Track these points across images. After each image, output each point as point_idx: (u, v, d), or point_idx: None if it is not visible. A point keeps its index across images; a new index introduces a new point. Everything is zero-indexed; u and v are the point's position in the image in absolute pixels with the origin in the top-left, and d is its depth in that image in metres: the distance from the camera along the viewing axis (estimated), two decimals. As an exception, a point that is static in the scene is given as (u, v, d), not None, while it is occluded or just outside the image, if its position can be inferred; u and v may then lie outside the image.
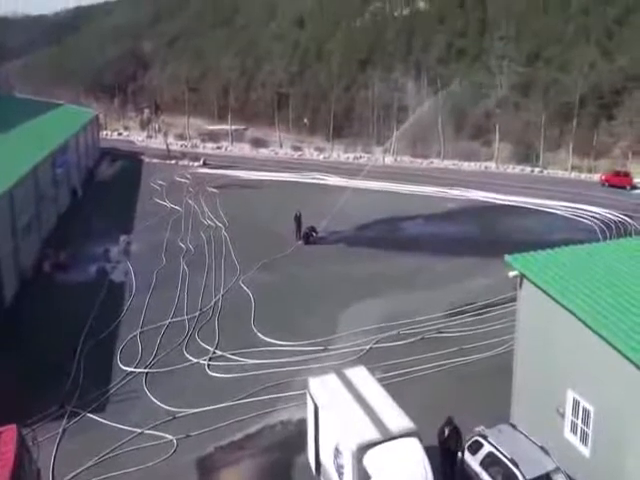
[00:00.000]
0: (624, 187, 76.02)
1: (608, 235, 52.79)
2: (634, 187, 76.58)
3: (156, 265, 44.70)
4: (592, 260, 23.26)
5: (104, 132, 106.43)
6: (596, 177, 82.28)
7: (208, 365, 31.03)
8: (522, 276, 23.25)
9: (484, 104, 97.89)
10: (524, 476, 19.46)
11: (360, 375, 22.62)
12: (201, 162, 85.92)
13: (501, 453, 20.49)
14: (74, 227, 54.22)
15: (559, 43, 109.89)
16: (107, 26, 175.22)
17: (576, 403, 20.73)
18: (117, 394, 28.56)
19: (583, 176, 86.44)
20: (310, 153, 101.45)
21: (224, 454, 24.31)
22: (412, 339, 33.66)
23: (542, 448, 20.66)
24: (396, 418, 19.95)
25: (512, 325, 26.38)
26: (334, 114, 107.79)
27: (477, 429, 22.22)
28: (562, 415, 21.32)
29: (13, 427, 18.66)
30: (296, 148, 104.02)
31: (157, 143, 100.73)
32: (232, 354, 31.89)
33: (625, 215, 59.85)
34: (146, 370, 30.46)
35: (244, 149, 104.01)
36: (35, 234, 47.92)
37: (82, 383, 29.08)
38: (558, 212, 62.09)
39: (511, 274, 23.69)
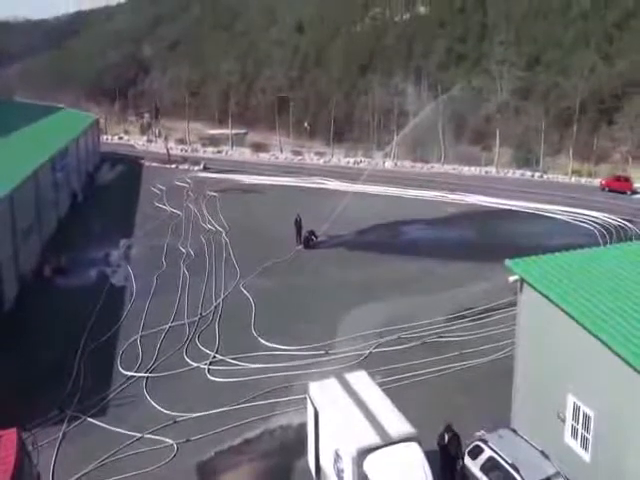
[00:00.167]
0: (624, 192, 76.05)
1: (608, 240, 52.80)
2: (634, 192, 76.59)
3: (156, 269, 44.70)
4: (592, 265, 23.25)
5: (104, 136, 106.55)
6: (596, 182, 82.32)
7: (208, 369, 31.00)
8: (522, 280, 23.24)
9: (484, 109, 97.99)
10: (524, 481, 19.46)
11: (360, 379, 22.59)
12: (201, 166, 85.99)
13: (502, 458, 20.45)
14: (74, 231, 54.20)
15: (559, 48, 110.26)
16: (107, 31, 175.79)
17: (576, 408, 20.71)
18: (117, 398, 28.52)
19: (583, 181, 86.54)
20: (310, 157, 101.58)
21: (224, 459, 24.25)
22: (412, 344, 33.64)
23: (542, 453, 20.64)
24: (396, 423, 19.92)
25: (512, 330, 26.37)
26: (334, 119, 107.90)
27: (478, 434, 22.18)
28: (563, 420, 21.30)
29: (13, 431, 18.64)
30: (296, 152, 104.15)
31: (157, 147, 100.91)
32: (232, 358, 31.87)
33: (625, 220, 59.89)
34: (146, 374, 30.43)
35: (244, 153, 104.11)
36: (35, 238, 47.91)
37: (82, 387, 29.05)
38: (558, 217, 62.10)
39: (511, 279, 23.68)
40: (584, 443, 20.51)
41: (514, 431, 22.19)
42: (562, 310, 20.84)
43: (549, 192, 73.46)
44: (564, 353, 21.41)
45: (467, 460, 21.75)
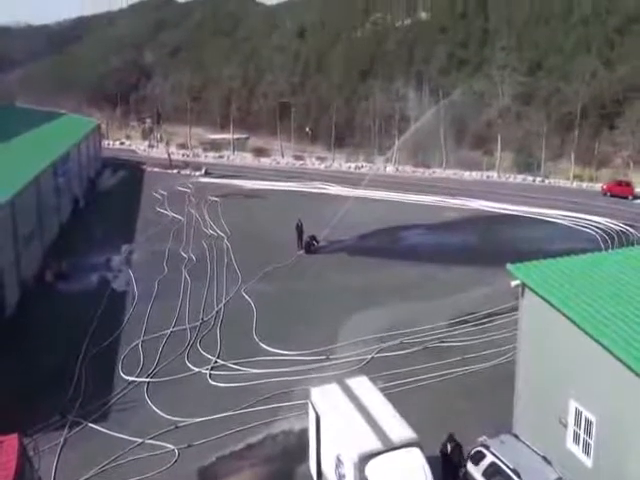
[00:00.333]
0: (626, 197, 76.02)
1: (610, 245, 52.76)
2: (636, 197, 76.54)
3: (158, 274, 44.69)
4: (594, 270, 23.23)
5: (106, 141, 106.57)
6: (598, 186, 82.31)
7: (210, 374, 30.98)
8: (524, 285, 23.23)
9: (486, 114, 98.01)
10: (526, 486, 19.42)
11: (362, 385, 22.59)
12: (203, 171, 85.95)
13: (503, 463, 20.40)
14: (76, 236, 54.19)
15: (560, 53, 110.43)
16: (109, 36, 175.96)
17: (578, 413, 20.68)
18: (119, 403, 28.51)
19: (585, 185, 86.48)
20: (311, 162, 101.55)
21: (226, 464, 24.23)
22: (414, 348, 33.62)
23: (544, 458, 20.61)
24: (398, 428, 19.91)
25: (514, 334, 26.34)
26: (335, 124, 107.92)
27: (479, 439, 22.15)
28: (564, 425, 21.26)
29: (15, 437, 18.62)
30: (298, 157, 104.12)
31: (159, 152, 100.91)
32: (234, 363, 31.85)
33: (627, 225, 59.85)
34: (148, 379, 30.43)
35: (246, 158, 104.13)
36: (37, 243, 47.92)
37: (84, 392, 29.04)
38: (560, 221, 62.07)
39: (513, 283, 23.67)
40: (586, 448, 20.47)
41: (516, 436, 22.18)
42: (564, 315, 20.82)
43: (551, 197, 73.41)
44: (566, 358, 21.38)
45: (469, 465, 21.72)
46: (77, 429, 26.39)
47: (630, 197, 76.16)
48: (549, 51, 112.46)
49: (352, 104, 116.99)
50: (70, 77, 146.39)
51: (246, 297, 40.84)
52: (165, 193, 70.94)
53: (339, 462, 20.09)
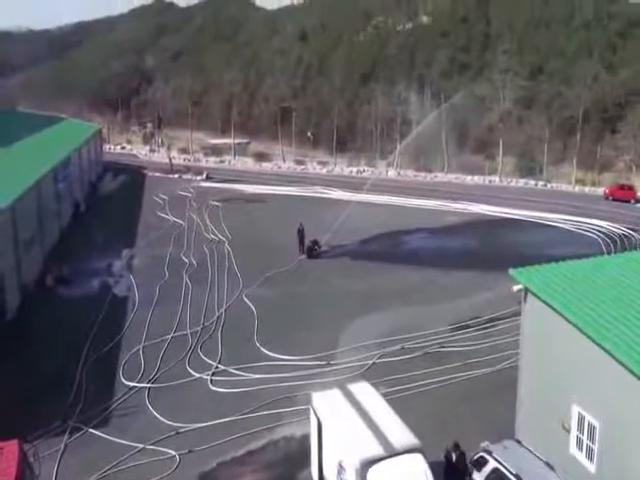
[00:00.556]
0: (628, 201, 75.94)
1: (612, 249, 52.66)
2: (638, 200, 76.47)
3: (159, 279, 44.61)
4: (596, 274, 23.15)
5: (107, 146, 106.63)
6: (600, 190, 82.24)
7: (211, 380, 30.90)
8: (526, 290, 23.16)
9: (487, 118, 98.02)
10: (529, 492, 19.32)
11: (364, 390, 22.50)
12: (204, 176, 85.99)
13: (506, 469, 20.28)
14: (77, 241, 54.15)
15: (562, 57, 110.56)
16: (110, 41, 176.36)
17: (581, 418, 20.57)
18: (119, 409, 28.42)
19: (587, 189, 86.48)
20: (313, 167, 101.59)
21: (227, 470, 24.14)
22: (416, 354, 33.52)
23: (547, 464, 20.49)
24: (400, 434, 19.80)
25: (516, 339, 26.24)
26: (337, 128, 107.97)
27: (482, 445, 22.03)
28: (567, 430, 21.15)
29: (15, 443, 18.56)
30: (299, 162, 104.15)
31: (160, 157, 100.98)
32: (235, 369, 31.76)
33: (629, 228, 59.78)
34: (149, 385, 30.34)
35: (247, 163, 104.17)
36: (38, 248, 47.87)
37: (84, 398, 28.95)
38: (562, 226, 61.97)
39: (515, 288, 23.59)
40: (589, 454, 20.36)
41: (518, 442, 22.05)
42: (566, 319, 20.75)
43: (553, 201, 73.33)
44: (568, 362, 21.30)
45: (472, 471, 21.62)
46: (78, 435, 26.29)
47: (632, 201, 76.09)
48: (551, 55, 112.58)
49: (354, 108, 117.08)
50: (71, 82, 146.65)
51: (247, 302, 40.75)
52: (166, 197, 70.92)
53: (341, 468, 19.98)
